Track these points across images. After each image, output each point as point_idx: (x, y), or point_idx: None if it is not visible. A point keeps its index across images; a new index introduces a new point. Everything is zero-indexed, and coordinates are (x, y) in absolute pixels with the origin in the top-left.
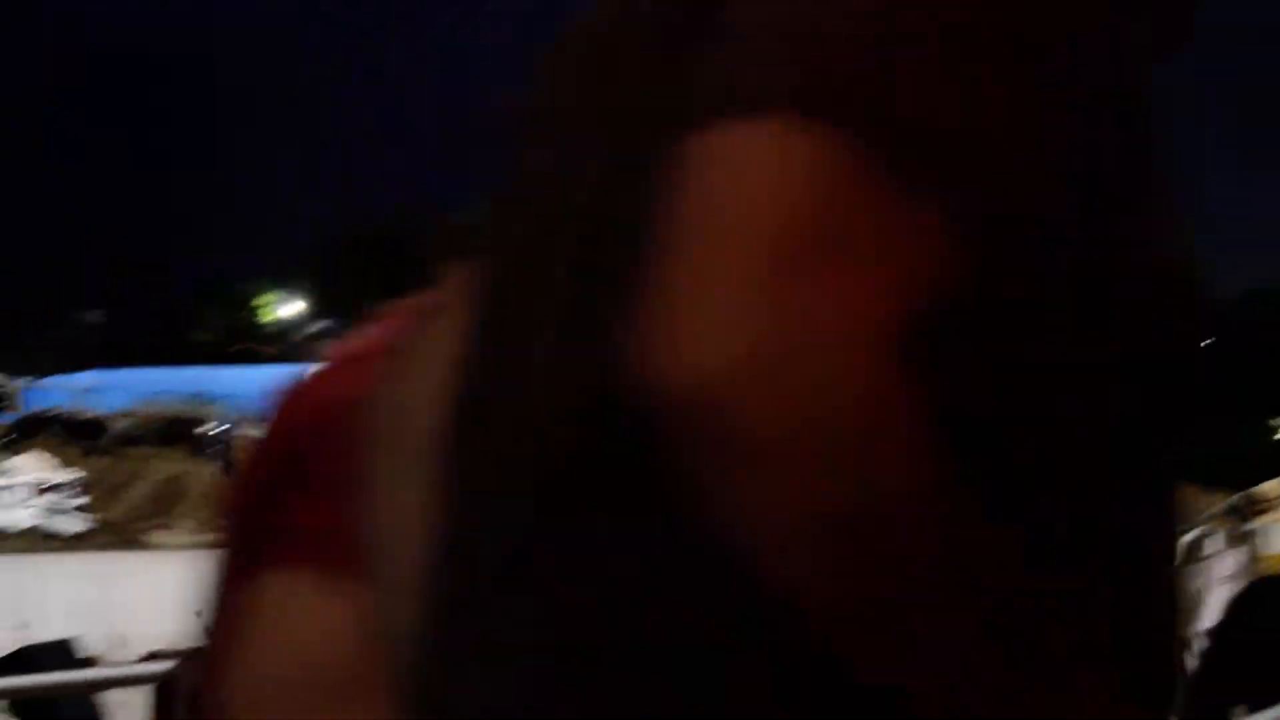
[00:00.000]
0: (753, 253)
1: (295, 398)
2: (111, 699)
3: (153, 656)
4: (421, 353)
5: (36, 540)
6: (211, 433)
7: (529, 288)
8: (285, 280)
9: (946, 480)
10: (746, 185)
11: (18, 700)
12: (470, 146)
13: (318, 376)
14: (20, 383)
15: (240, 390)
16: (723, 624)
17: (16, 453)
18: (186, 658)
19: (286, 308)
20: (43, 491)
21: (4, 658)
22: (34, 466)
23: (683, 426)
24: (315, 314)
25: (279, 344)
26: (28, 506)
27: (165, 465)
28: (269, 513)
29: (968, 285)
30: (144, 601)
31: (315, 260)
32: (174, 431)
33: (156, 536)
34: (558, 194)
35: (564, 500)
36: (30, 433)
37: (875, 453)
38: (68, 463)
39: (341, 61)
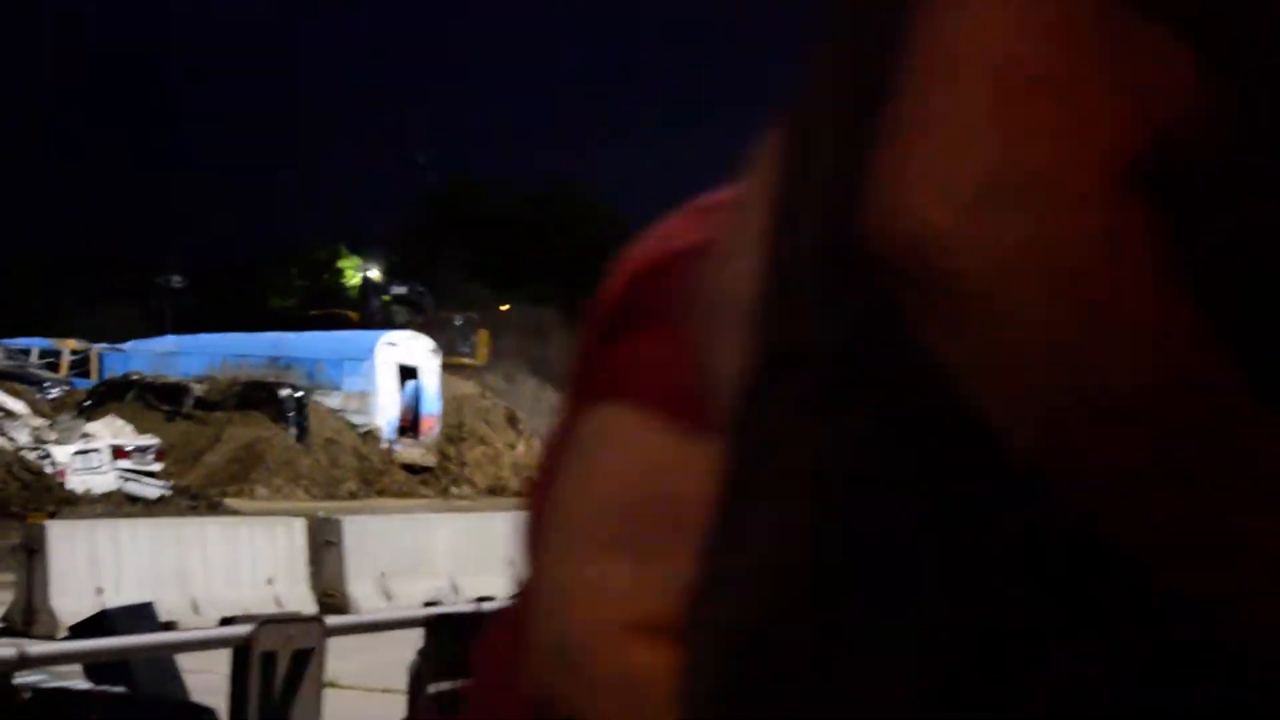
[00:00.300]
0: (980, 87)
1: (639, 246)
2: (188, 663)
3: (229, 621)
4: (745, 214)
5: (115, 504)
6: (290, 397)
7: (809, 155)
8: (364, 245)
9: (1192, 320)
10: (975, 21)
11: (94, 664)
12: (532, 104)
13: (664, 225)
14: (100, 348)
15: (318, 355)
16: (967, 495)
17: (96, 418)
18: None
19: (365, 272)
20: (121, 456)
21: (83, 621)
22: (113, 431)
23: (911, 274)
24: (393, 278)
25: (358, 308)
26: (107, 471)
27: (243, 430)
28: (604, 351)
29: (1215, 132)
30: (221, 566)
31: (394, 224)
32: (252, 396)
33: (234, 501)
34: (833, 69)
35: (827, 379)
36: (110, 398)
37: (1115, 285)
38: (146, 428)
39: (412, 27)
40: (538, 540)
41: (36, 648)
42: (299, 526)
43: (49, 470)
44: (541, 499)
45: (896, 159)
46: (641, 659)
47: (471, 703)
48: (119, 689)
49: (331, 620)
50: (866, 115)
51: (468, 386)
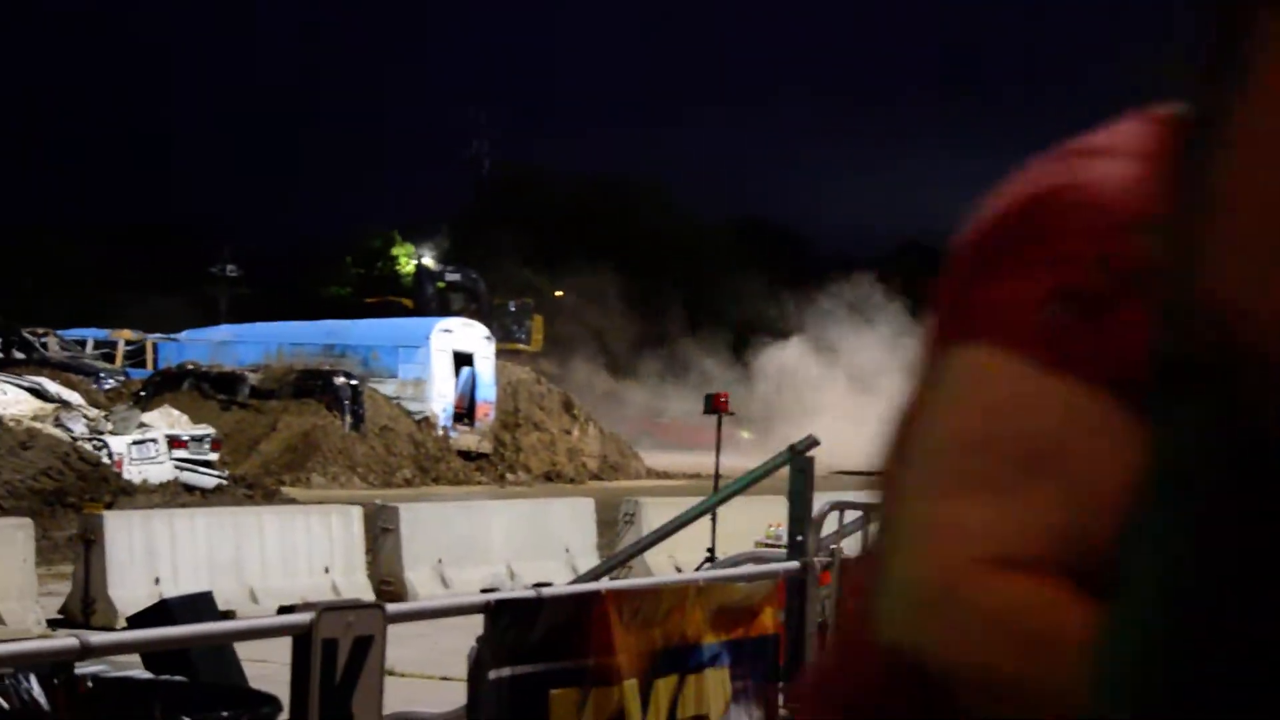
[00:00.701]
0: None
1: (1005, 189)
2: (246, 652)
3: (286, 610)
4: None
5: (172, 494)
6: (345, 385)
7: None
8: (418, 232)
9: None
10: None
11: (154, 654)
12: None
13: (1028, 168)
14: (154, 338)
15: (373, 343)
16: None
17: (151, 408)
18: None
19: (419, 259)
20: (177, 446)
21: (142, 612)
22: (169, 421)
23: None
24: (447, 264)
25: (412, 295)
26: (163, 461)
27: (299, 419)
28: (968, 292)
29: None
30: (277, 555)
31: (449, 216)
32: (308, 385)
33: (290, 489)
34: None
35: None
36: (165, 388)
37: None
38: (202, 417)
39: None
40: (896, 480)
41: (98, 638)
42: (355, 514)
43: (106, 461)
44: (902, 438)
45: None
46: (999, 595)
47: (830, 651)
48: (180, 678)
49: (392, 607)
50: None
51: (522, 372)
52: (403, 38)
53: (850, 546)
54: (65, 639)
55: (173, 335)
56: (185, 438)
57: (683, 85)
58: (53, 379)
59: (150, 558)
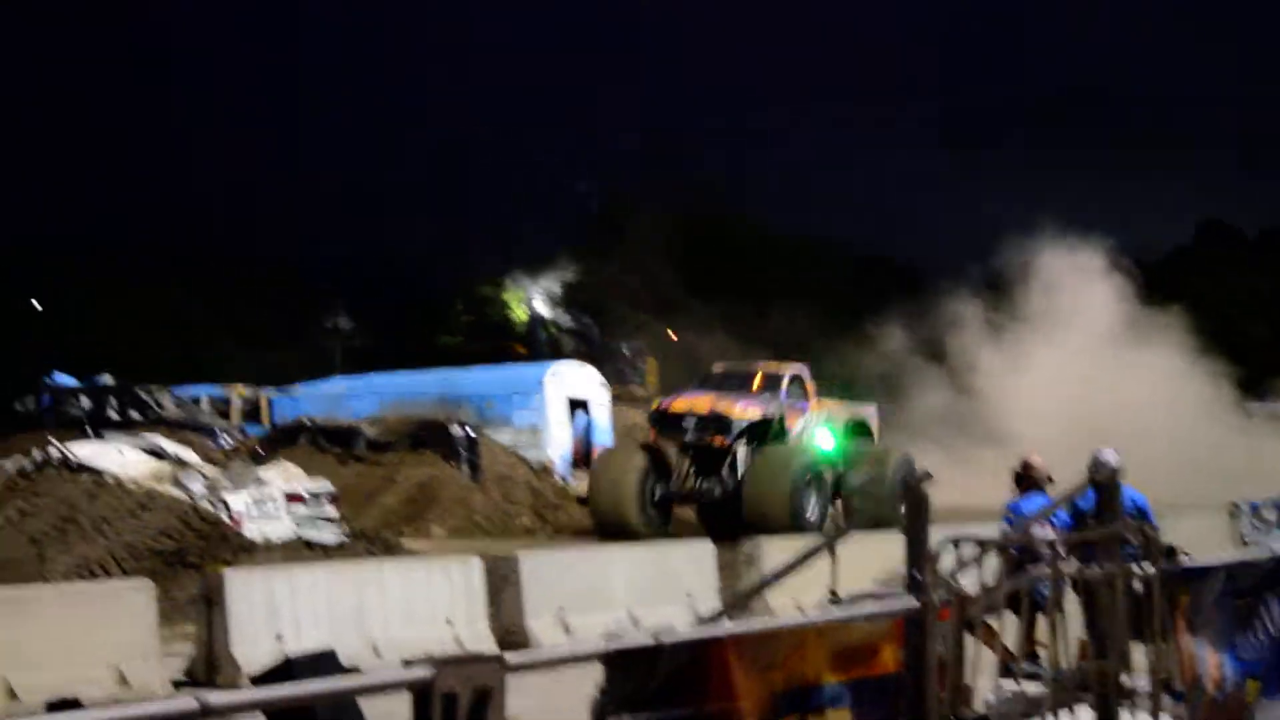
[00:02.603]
0: None
1: None
2: (371, 708)
3: (407, 664)
4: None
5: (292, 550)
6: (461, 435)
7: None
8: (528, 277)
9: None
10: None
11: (278, 711)
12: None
13: None
14: (269, 392)
15: (488, 391)
16: None
17: (268, 463)
18: None
19: (530, 305)
20: (296, 501)
21: (266, 672)
22: (286, 477)
23: None
24: (558, 309)
25: (525, 341)
26: (282, 517)
27: (416, 470)
28: None
29: None
30: (399, 608)
31: (559, 260)
32: (424, 435)
33: (410, 541)
34: None
35: None
36: (282, 443)
37: None
38: (319, 471)
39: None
40: None
41: (217, 697)
42: (476, 565)
43: (225, 519)
44: None
45: None
46: None
47: None
48: None
49: (511, 657)
50: None
51: (638, 416)
52: (515, 83)
53: (969, 582)
54: (185, 699)
55: (287, 389)
56: (304, 493)
57: (796, 118)
58: (169, 437)
59: (272, 615)
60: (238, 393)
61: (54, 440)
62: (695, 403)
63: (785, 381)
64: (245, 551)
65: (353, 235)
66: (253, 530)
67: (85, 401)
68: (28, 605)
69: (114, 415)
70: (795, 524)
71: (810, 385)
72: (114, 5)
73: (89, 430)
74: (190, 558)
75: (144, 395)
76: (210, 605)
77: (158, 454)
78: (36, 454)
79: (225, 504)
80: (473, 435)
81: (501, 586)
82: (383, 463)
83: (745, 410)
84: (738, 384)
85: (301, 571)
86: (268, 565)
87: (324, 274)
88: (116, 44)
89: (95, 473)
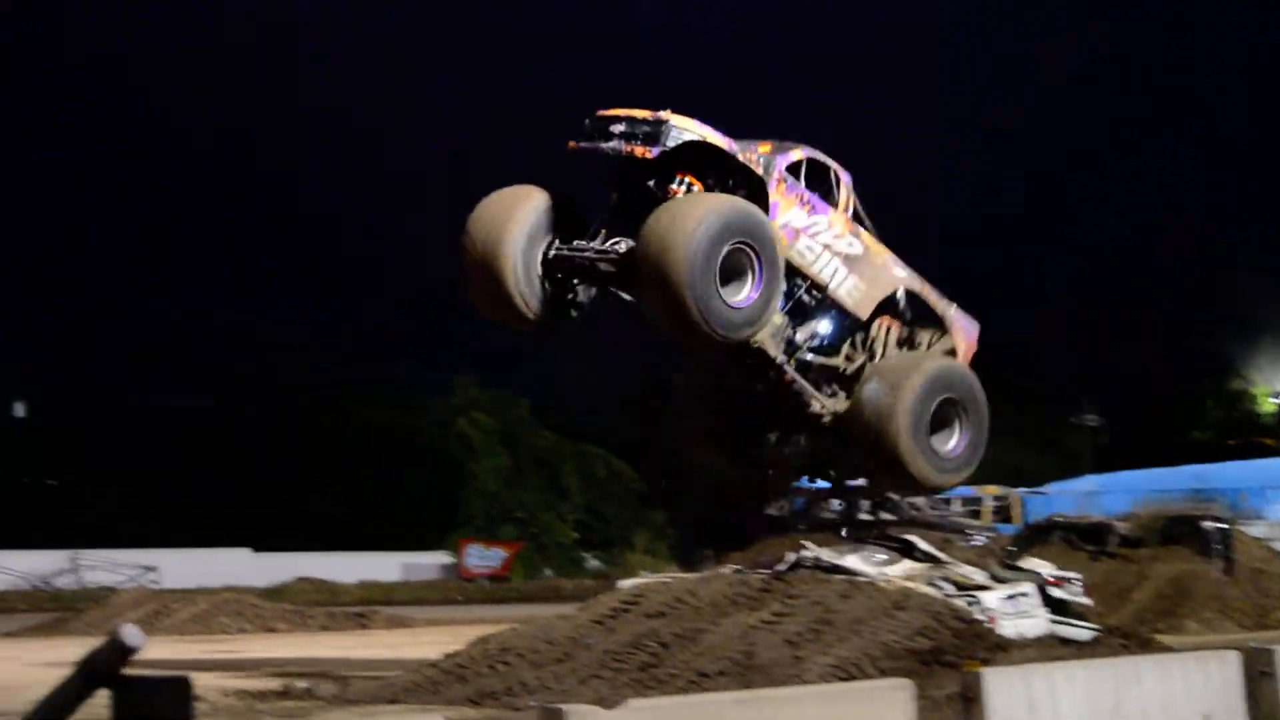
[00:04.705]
0: None
1: None
2: None
3: None
4: None
5: (1046, 646)
6: (1214, 529)
7: None
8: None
9: None
10: None
11: None
12: None
13: None
14: (1021, 492)
15: (1239, 484)
16: None
17: (1020, 562)
18: None
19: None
20: (1053, 585)
21: None
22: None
23: None
24: None
25: (1275, 434)
26: (1036, 615)
27: (1168, 565)
28: None
29: None
30: (1156, 704)
31: None
32: (1175, 531)
33: (1163, 637)
34: None
35: None
36: (1033, 541)
37: None
38: (1071, 568)
39: None
40: None
41: None
42: (1233, 659)
43: (979, 617)
44: None
45: None
46: None
47: None
48: None
49: None
50: None
51: None
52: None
53: None
54: None
55: (1039, 489)
56: (1060, 578)
57: None
58: (921, 537)
59: (1030, 713)
60: (990, 493)
61: (807, 542)
62: None
63: None
64: (1000, 649)
65: (1107, 336)
66: (1006, 628)
67: (836, 504)
68: (781, 707)
69: (866, 516)
70: None
71: None
72: None
73: (841, 532)
74: (946, 656)
75: (895, 497)
76: (968, 704)
77: (910, 553)
78: (789, 556)
79: (979, 602)
80: (1225, 529)
81: (1259, 681)
82: (1134, 559)
83: None
84: None
85: (1059, 669)
86: (1024, 663)
87: (1076, 373)
88: None
89: (849, 573)
